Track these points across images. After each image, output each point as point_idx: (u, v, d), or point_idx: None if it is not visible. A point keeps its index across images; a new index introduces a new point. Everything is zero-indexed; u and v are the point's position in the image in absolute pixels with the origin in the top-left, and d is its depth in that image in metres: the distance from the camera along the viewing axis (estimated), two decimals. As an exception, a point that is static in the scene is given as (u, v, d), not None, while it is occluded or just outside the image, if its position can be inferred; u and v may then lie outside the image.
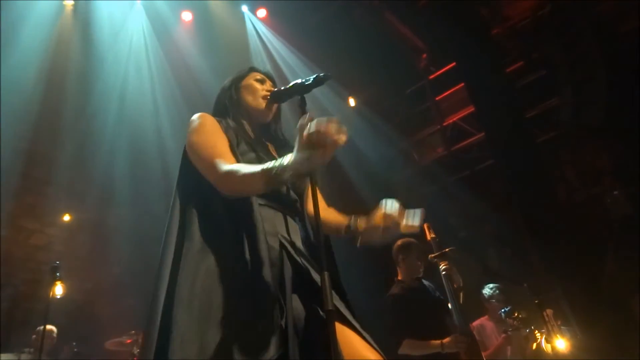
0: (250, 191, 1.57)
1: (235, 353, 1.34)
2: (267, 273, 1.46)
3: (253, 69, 2.01)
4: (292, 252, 1.58)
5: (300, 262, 1.56)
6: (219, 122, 1.78)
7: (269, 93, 1.89)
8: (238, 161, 1.61)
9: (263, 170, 1.44)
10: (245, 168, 1.52)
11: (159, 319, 1.45)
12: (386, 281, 3.95)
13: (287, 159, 1.40)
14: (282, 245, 1.58)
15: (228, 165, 1.55)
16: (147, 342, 1.45)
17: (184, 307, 1.42)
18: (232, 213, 1.58)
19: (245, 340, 1.36)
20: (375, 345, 1.47)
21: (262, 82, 1.95)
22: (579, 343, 4.26)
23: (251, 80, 1.95)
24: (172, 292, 1.47)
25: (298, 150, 1.37)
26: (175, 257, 1.56)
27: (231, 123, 1.82)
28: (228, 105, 1.91)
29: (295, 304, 1.50)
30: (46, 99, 5.90)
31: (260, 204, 1.63)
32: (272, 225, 1.63)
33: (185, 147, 1.74)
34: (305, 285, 1.52)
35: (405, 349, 3.26)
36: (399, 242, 3.74)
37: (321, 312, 1.47)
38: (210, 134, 1.70)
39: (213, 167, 1.57)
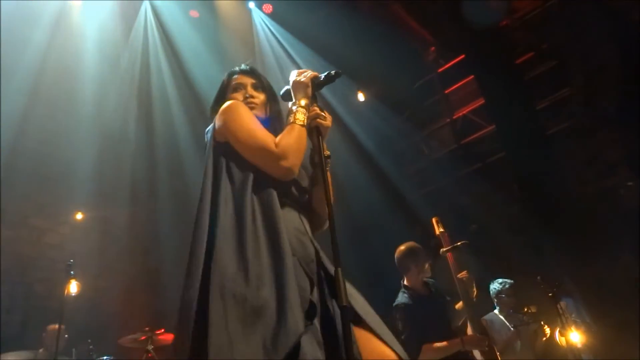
0: (304, 146, 1.66)
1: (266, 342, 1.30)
2: (294, 267, 1.45)
3: (230, 75, 1.96)
4: (320, 251, 1.60)
5: (327, 262, 1.57)
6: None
7: (249, 98, 1.85)
8: None
9: (294, 121, 1.65)
10: (287, 136, 1.63)
11: (193, 312, 1.38)
12: (388, 277, 3.91)
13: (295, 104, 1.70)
14: (313, 243, 1.61)
15: (274, 142, 1.62)
16: (181, 336, 1.39)
17: (218, 297, 1.37)
18: (262, 207, 1.57)
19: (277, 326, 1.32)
20: (391, 344, 1.47)
21: (241, 87, 1.89)
22: (592, 336, 4.23)
23: (231, 92, 1.90)
24: (206, 282, 1.42)
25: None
26: (208, 250, 1.50)
27: None
28: None
29: (322, 299, 1.50)
30: (57, 98, 5.94)
31: (288, 206, 1.65)
32: (300, 225, 1.64)
33: (214, 133, 1.73)
34: (328, 280, 1.53)
35: (425, 354, 3.19)
36: (404, 248, 3.64)
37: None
38: (248, 119, 1.70)
39: (266, 149, 1.61)
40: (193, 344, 1.33)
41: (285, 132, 1.65)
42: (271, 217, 1.53)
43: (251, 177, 1.62)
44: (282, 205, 1.61)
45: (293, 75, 1.76)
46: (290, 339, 1.28)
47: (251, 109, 1.82)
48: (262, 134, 1.65)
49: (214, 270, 1.40)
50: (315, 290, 1.47)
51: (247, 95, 1.86)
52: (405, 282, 3.58)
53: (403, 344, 3.18)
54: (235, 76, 1.93)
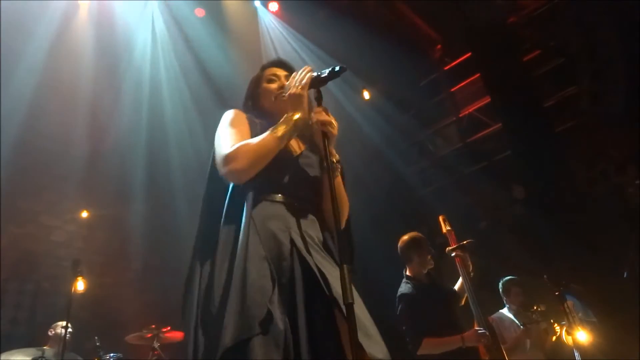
0: (267, 155, 1.62)
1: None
2: (267, 267, 1.52)
3: (264, 68, 2.00)
4: (302, 247, 1.58)
5: (307, 257, 1.56)
6: (248, 116, 1.83)
7: (282, 90, 1.88)
8: None
9: (272, 130, 1.62)
10: (252, 141, 1.63)
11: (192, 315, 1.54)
12: (393, 274, 3.90)
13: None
14: (292, 240, 1.59)
15: (238, 142, 1.64)
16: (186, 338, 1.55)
17: (205, 304, 1.51)
18: (241, 213, 1.62)
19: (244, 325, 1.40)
20: (368, 344, 1.45)
21: (275, 79, 1.94)
22: (599, 335, 4.21)
23: (264, 83, 1.95)
24: (194, 288, 1.58)
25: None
26: (200, 257, 1.65)
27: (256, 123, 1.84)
28: (250, 115, 1.91)
29: (306, 297, 1.52)
30: (64, 96, 5.97)
31: (273, 201, 1.67)
32: (283, 221, 1.64)
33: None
34: (312, 280, 1.53)
35: (425, 349, 3.19)
36: (407, 238, 3.64)
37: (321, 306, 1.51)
38: (232, 124, 1.75)
39: (224, 146, 1.65)
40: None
41: (257, 137, 1.66)
42: (237, 240, 1.57)
43: (231, 186, 1.70)
44: (271, 201, 1.67)
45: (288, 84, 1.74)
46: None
47: (283, 100, 1.86)
48: (228, 138, 1.68)
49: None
50: (276, 292, 1.48)
51: (281, 86, 1.89)
52: (407, 273, 3.58)
53: (404, 334, 3.19)
54: (269, 68, 1.98)
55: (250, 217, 1.58)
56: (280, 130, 1.64)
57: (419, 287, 3.46)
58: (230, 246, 1.58)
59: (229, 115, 1.80)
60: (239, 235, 1.57)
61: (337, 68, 1.68)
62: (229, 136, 1.69)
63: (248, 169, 1.60)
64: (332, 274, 1.48)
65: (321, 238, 1.70)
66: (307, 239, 1.62)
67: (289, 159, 1.75)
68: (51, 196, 6.28)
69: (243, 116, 1.81)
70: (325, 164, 1.61)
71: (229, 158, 1.60)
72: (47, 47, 5.58)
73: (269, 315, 1.43)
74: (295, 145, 1.86)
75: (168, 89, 6.66)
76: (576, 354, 3.72)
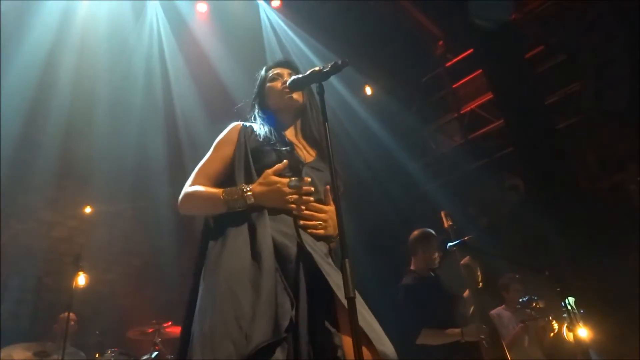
0: (209, 211, 1.70)
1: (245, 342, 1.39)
2: (271, 269, 1.52)
3: (268, 68, 2.05)
4: (307, 251, 1.61)
5: (313, 260, 1.58)
6: (245, 129, 1.86)
7: (286, 83, 1.90)
8: (248, 172, 1.72)
9: (224, 192, 1.63)
10: (206, 188, 1.69)
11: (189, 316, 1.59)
12: (396, 271, 3.92)
13: (248, 187, 1.62)
14: (298, 244, 1.63)
15: (194, 185, 1.72)
16: (180, 340, 1.61)
17: (205, 307, 1.52)
18: (249, 217, 1.65)
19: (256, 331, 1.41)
20: (377, 343, 1.47)
21: (278, 77, 1.98)
22: (599, 332, 4.21)
23: (268, 82, 2.00)
24: (196, 291, 1.60)
25: (260, 184, 1.64)
26: (200, 258, 1.67)
27: (261, 129, 1.87)
28: (255, 114, 1.98)
29: (309, 300, 1.55)
30: (64, 93, 5.96)
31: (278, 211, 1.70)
32: (289, 226, 1.68)
33: None
34: (317, 283, 1.56)
35: (423, 338, 3.23)
36: (417, 232, 3.70)
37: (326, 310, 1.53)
38: (215, 151, 1.84)
39: (190, 178, 1.76)
40: None
41: (207, 189, 1.70)
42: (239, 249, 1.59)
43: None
44: (275, 211, 1.68)
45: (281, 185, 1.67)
46: None
47: (287, 93, 1.90)
48: (195, 172, 1.79)
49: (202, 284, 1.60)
50: (289, 300, 1.49)
51: (284, 81, 1.93)
52: (411, 267, 3.61)
53: (403, 324, 3.22)
54: (273, 68, 2.03)
55: (260, 219, 1.62)
56: (229, 197, 1.65)
57: (419, 280, 3.49)
58: (239, 242, 1.60)
59: (221, 135, 1.87)
60: (245, 234, 1.61)
61: (339, 62, 1.69)
62: (198, 171, 1.79)
63: (187, 212, 1.77)
64: (335, 279, 1.51)
65: (325, 244, 1.74)
66: (312, 244, 1.66)
67: (298, 166, 1.78)
68: (52, 192, 6.28)
69: (233, 136, 1.85)
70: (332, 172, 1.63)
71: (182, 195, 1.75)
72: (49, 42, 5.57)
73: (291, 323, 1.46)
74: (305, 153, 1.90)
75: (170, 87, 6.65)
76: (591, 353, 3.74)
